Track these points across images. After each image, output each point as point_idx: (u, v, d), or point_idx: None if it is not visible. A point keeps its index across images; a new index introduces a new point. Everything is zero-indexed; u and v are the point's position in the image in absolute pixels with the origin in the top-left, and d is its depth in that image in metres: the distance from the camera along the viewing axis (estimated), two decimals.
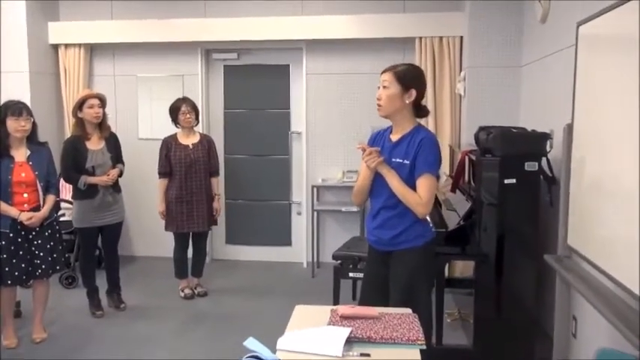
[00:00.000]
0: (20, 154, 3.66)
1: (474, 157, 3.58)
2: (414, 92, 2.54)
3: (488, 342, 3.35)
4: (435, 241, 2.73)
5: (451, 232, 3.43)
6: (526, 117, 4.41)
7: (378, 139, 2.72)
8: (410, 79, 2.55)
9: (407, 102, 2.54)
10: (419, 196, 2.48)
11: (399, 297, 2.52)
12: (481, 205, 3.35)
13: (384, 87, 2.55)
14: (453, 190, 3.93)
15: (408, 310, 2.14)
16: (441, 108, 5.18)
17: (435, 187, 2.52)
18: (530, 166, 3.19)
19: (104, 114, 4.25)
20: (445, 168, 4.91)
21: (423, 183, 2.48)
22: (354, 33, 5.29)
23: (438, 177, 2.57)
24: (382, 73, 2.59)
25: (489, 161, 3.30)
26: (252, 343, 1.69)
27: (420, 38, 5.16)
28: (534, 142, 3.27)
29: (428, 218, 2.97)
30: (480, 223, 3.36)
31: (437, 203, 4.07)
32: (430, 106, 5.11)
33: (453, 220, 3.59)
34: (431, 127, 5.00)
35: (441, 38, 5.13)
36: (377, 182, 2.61)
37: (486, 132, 3.42)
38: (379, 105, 2.58)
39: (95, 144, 4.22)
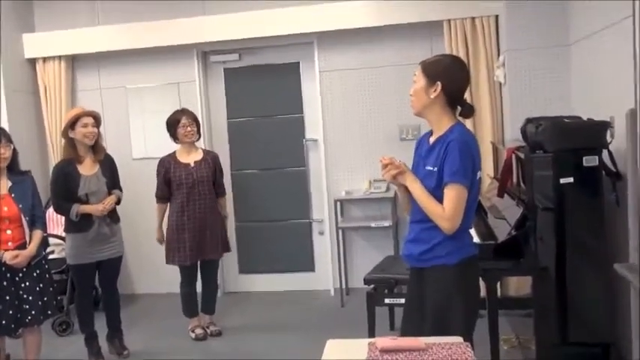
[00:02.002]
0: (1, 186, 3.72)
1: (522, 155, 3.56)
2: (439, 86, 2.55)
3: None
4: (476, 258, 2.70)
5: (501, 244, 3.41)
6: (580, 104, 4.37)
7: (421, 144, 2.76)
8: (435, 70, 2.57)
9: (431, 97, 2.56)
10: (442, 209, 2.49)
11: (430, 322, 2.54)
12: (535, 211, 3.33)
13: (414, 81, 2.62)
14: (500, 195, 3.91)
15: (459, 339, 2.13)
16: (479, 100, 5.16)
17: (463, 199, 2.50)
18: (590, 160, 3.17)
19: (99, 134, 4.31)
20: (489, 169, 4.89)
21: (447, 194, 2.49)
22: (372, 21, 5.32)
23: (470, 185, 2.54)
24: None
25: (541, 158, 3.29)
26: None
27: (449, 21, 5.17)
28: (592, 133, 3.25)
29: (472, 231, 2.96)
30: (535, 231, 3.33)
31: (482, 211, 4.05)
32: (466, 98, 5.08)
33: (502, 230, 3.56)
34: (468, 123, 4.98)
35: (473, 19, 5.13)
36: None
37: (535, 124, 3.41)
38: (411, 101, 2.65)
39: (88, 168, 4.28)
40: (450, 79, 2.57)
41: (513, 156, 3.79)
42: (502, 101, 5.13)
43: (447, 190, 2.49)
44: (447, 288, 2.55)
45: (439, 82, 2.54)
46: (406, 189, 2.64)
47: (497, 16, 5.07)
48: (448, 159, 2.49)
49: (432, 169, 2.55)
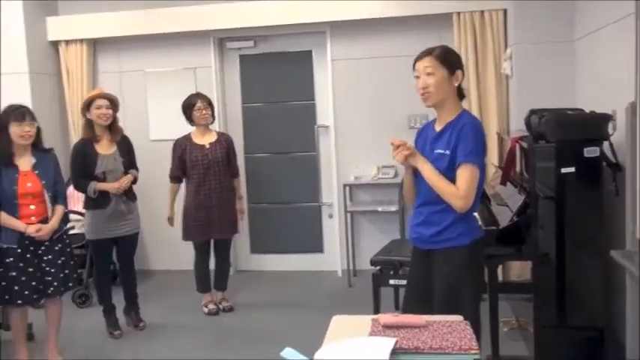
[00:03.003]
0: (25, 162, 3.78)
1: (525, 145, 3.58)
2: (460, 74, 2.63)
3: (551, 352, 3.35)
4: (483, 241, 2.76)
5: (503, 229, 3.44)
6: (583, 97, 4.38)
7: (424, 132, 2.80)
8: (453, 60, 2.64)
9: (455, 85, 2.62)
10: (455, 188, 2.52)
11: (441, 301, 2.58)
12: (536, 199, 3.36)
13: (429, 74, 2.60)
14: (503, 183, 3.94)
15: (459, 317, 2.18)
16: (486, 91, 5.18)
17: (476, 179, 2.55)
18: (591, 151, 3.19)
19: (115, 117, 4.37)
20: (493, 158, 4.92)
21: (461, 173, 2.53)
22: (383, 12, 5.33)
23: (481, 167, 2.59)
24: (417, 61, 2.66)
25: (543, 148, 3.31)
26: (289, 353, 1.75)
27: (458, 14, 5.17)
28: (594, 125, 3.26)
29: (476, 215, 3.00)
30: (536, 218, 3.36)
31: (485, 198, 4.08)
32: (473, 89, 5.13)
33: (504, 217, 3.59)
34: (475, 113, 4.99)
35: (482, 12, 5.13)
36: (419, 177, 2.67)
37: (538, 115, 3.42)
38: (428, 93, 2.61)
39: (106, 148, 4.35)
40: (462, 67, 2.67)
41: (517, 145, 3.81)
42: (508, 93, 5.14)
43: (461, 169, 2.53)
44: (458, 268, 2.60)
45: (459, 70, 2.62)
46: (414, 172, 2.68)
47: (505, 10, 5.08)
48: (462, 140, 2.54)
49: (442, 151, 2.59)
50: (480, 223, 3.27)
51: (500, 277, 4.42)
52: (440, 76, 2.59)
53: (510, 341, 3.95)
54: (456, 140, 2.56)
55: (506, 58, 4.97)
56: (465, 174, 2.53)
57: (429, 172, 2.58)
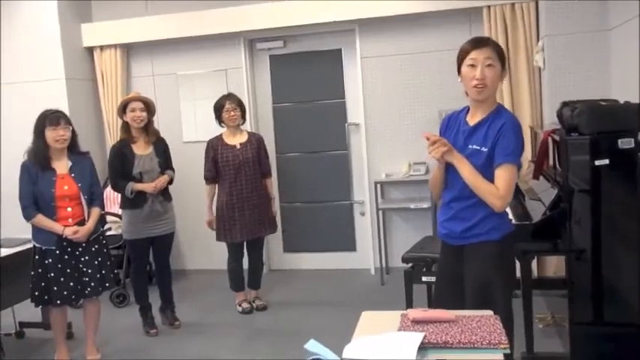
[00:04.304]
0: (62, 165, 3.87)
1: (557, 138, 3.52)
2: (506, 69, 2.62)
3: (588, 349, 3.27)
4: (514, 235, 2.71)
5: (537, 224, 3.38)
6: (618, 88, 4.28)
7: (452, 123, 2.71)
8: (503, 55, 2.59)
9: (502, 80, 2.61)
10: (495, 188, 2.48)
11: (472, 296, 2.55)
12: (570, 193, 3.28)
13: (489, 65, 2.49)
14: (536, 177, 3.87)
15: (489, 312, 2.15)
16: (518, 84, 5.11)
17: (515, 179, 2.53)
18: (625, 143, 3.10)
19: (150, 119, 4.44)
20: (527, 153, 4.83)
21: (502, 174, 2.48)
22: (412, 7, 5.29)
23: (519, 166, 2.55)
24: (475, 49, 2.51)
25: (576, 141, 3.23)
26: (313, 345, 1.76)
27: (489, 7, 5.11)
28: (628, 116, 3.17)
29: (508, 210, 2.95)
30: (571, 212, 3.29)
31: (519, 193, 4.02)
32: (505, 82, 5.04)
33: (538, 213, 3.53)
34: (508, 107, 4.90)
35: (512, 5, 5.06)
36: (450, 171, 2.62)
37: (571, 107, 3.35)
38: (483, 86, 2.50)
39: (142, 149, 4.43)
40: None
41: (549, 139, 3.74)
42: (541, 85, 5.06)
43: (501, 169, 2.48)
44: (489, 263, 2.57)
45: (505, 67, 2.60)
46: (446, 168, 2.63)
47: (536, 2, 4.99)
48: (502, 140, 2.49)
49: (479, 148, 2.54)
50: (510, 217, 3.22)
51: (535, 273, 4.36)
52: (497, 70, 2.52)
53: (545, 338, 3.88)
54: (495, 138, 2.50)
55: (538, 50, 4.88)
56: (506, 174, 2.48)
57: (468, 170, 2.51)
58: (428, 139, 2.53)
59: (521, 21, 5.04)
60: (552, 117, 4.32)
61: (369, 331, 2.07)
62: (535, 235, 3.38)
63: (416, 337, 1.91)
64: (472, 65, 2.50)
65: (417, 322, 2.05)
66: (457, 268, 2.67)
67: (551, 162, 3.78)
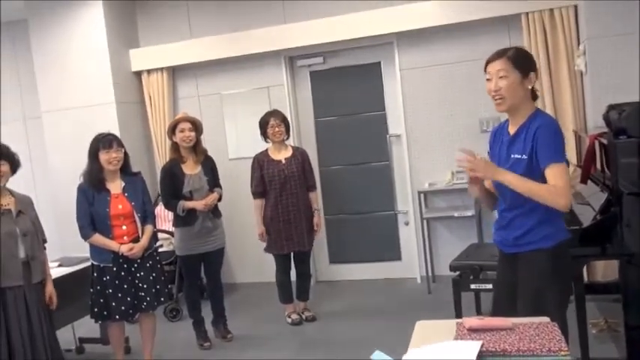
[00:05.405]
0: (115, 186, 3.97)
1: (605, 141, 3.43)
2: (533, 75, 2.52)
3: None
4: (570, 243, 2.63)
5: (587, 229, 3.29)
6: None
7: (498, 135, 2.69)
8: (526, 61, 2.53)
9: (528, 88, 2.52)
10: (553, 186, 2.40)
11: (524, 306, 2.48)
12: (620, 196, 3.19)
13: (502, 77, 2.49)
14: (583, 181, 3.78)
15: (546, 319, 2.10)
16: (560, 89, 5.01)
17: (568, 174, 2.45)
18: None
19: (198, 138, 4.51)
20: (571, 157, 4.73)
21: (553, 173, 2.41)
22: (449, 18, 5.26)
23: (567, 163, 2.49)
24: (489, 63, 2.55)
25: (625, 143, 3.15)
26: (378, 355, 1.75)
27: (527, 14, 5.03)
28: None
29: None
30: (622, 216, 3.20)
31: None
32: (547, 88, 4.99)
33: (587, 217, 3.44)
34: (550, 112, 4.83)
35: (551, 10, 4.97)
36: (497, 183, 2.57)
37: (618, 110, 3.28)
38: (500, 98, 2.50)
39: (191, 168, 4.51)
40: (536, 68, 2.57)
41: (596, 142, 3.65)
42: (583, 89, 4.95)
43: (550, 170, 2.41)
44: (542, 272, 2.50)
45: (532, 73, 2.52)
46: (482, 188, 2.61)
47: (575, 6, 4.89)
48: (542, 143, 2.43)
49: (519, 156, 2.49)
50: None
51: (585, 278, 4.23)
52: (513, 79, 2.48)
53: (600, 344, 3.77)
54: (533, 145, 2.45)
55: (579, 55, 4.78)
56: (557, 172, 2.40)
57: (517, 181, 2.43)
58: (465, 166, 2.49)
59: (561, 26, 4.95)
60: (596, 121, 4.24)
61: (425, 340, 2.04)
62: (584, 240, 3.28)
63: (474, 346, 1.87)
64: (488, 79, 2.55)
65: (474, 331, 2.01)
66: (512, 276, 2.60)
67: (598, 166, 3.69)
